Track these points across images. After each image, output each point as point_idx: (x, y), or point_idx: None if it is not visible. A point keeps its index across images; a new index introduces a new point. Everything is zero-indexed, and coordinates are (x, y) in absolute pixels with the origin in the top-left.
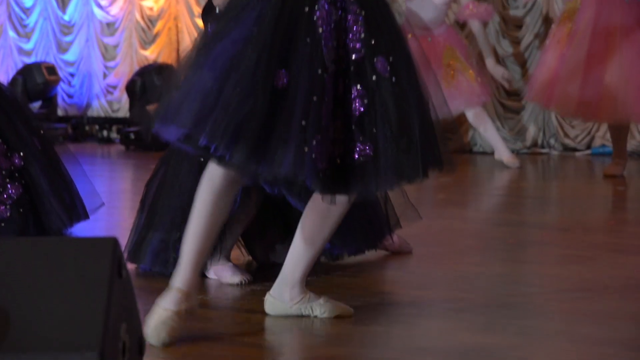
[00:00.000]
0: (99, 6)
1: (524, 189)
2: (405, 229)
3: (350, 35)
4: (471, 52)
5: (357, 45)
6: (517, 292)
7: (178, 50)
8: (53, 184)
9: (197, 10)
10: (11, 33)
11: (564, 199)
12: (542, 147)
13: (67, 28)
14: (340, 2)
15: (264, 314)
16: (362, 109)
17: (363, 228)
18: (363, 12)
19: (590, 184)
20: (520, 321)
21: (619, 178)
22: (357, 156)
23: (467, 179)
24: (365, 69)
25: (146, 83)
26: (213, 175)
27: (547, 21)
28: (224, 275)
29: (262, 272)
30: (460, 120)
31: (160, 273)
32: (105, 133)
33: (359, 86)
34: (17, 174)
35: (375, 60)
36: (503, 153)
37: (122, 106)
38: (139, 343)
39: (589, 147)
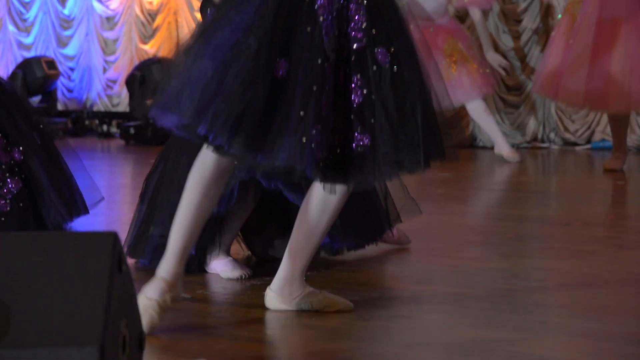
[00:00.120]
0: (99, 0)
1: (524, 183)
2: (405, 223)
3: (352, 24)
4: (473, 44)
5: (359, 35)
6: (517, 286)
7: (178, 44)
8: (53, 178)
9: (197, 4)
10: (11, 27)
11: (564, 193)
12: (542, 141)
13: (66, 22)
14: None
15: (263, 308)
16: (360, 99)
17: (363, 223)
18: (365, 1)
19: (590, 179)
20: (520, 315)
21: (618, 172)
22: (355, 146)
23: (467, 173)
24: (366, 59)
25: (146, 77)
26: (204, 164)
27: (546, 15)
28: (223, 270)
29: (262, 266)
30: (461, 114)
31: None
32: (105, 127)
33: (358, 76)
34: (16, 169)
35: (376, 50)
36: (503, 147)
37: (122, 100)
38: (139, 338)
39: (589, 141)
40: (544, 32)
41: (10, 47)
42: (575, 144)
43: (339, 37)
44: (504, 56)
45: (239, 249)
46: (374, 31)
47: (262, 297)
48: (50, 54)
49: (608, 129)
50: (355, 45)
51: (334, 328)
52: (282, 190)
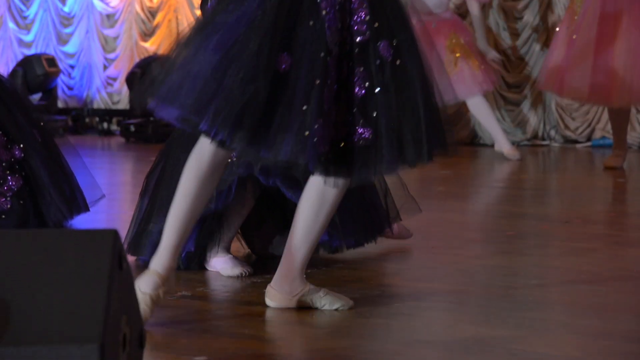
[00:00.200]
0: None
1: (524, 181)
2: (405, 221)
3: (355, 17)
4: (475, 40)
5: (362, 28)
6: (517, 284)
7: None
8: (53, 176)
9: (197, 1)
10: (11, 25)
11: (564, 191)
12: (543, 139)
13: (67, 20)
14: None
15: (264, 306)
16: (363, 93)
17: (362, 221)
18: None
19: (590, 176)
20: (520, 313)
21: (619, 170)
22: (357, 139)
23: (467, 171)
24: (369, 52)
25: (146, 75)
26: (201, 157)
27: (547, 12)
28: (223, 267)
29: (262, 264)
30: (461, 112)
31: None
32: (105, 125)
33: (361, 69)
34: (17, 166)
35: (379, 44)
36: (503, 145)
37: (122, 98)
38: (140, 335)
39: (589, 139)
40: (544, 30)
41: (11, 44)
42: (576, 142)
43: (342, 31)
44: (505, 54)
45: (239, 246)
46: (376, 24)
47: (263, 294)
48: (51, 51)
49: (608, 127)
50: (358, 39)
51: (334, 325)
52: (280, 187)
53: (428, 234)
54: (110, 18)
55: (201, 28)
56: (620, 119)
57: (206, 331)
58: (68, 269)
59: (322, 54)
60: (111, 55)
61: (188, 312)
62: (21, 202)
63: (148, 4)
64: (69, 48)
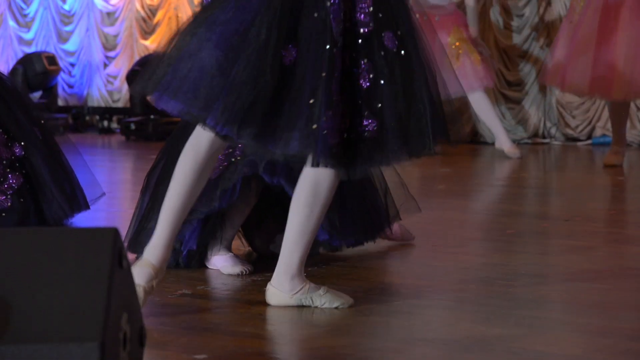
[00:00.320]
0: None
1: (524, 179)
2: (405, 220)
3: (359, 8)
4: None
5: (366, 19)
6: (517, 282)
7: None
8: (54, 174)
9: None
10: (11, 23)
11: (565, 189)
12: (543, 137)
13: (67, 18)
14: None
15: (264, 304)
16: (368, 84)
17: (362, 220)
18: None
19: (590, 174)
20: (521, 311)
21: (619, 168)
22: (362, 131)
23: (468, 169)
24: (373, 44)
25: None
26: (198, 147)
27: (547, 10)
28: (224, 265)
29: (263, 262)
30: (461, 110)
31: None
32: (105, 123)
33: (366, 60)
34: (17, 164)
35: (383, 34)
36: (504, 143)
37: (122, 96)
38: (140, 333)
39: (589, 137)
40: (544, 27)
41: (11, 42)
42: (576, 140)
43: (345, 22)
44: (505, 52)
45: (240, 244)
46: (380, 15)
47: (263, 292)
48: (51, 49)
49: (609, 125)
50: (362, 30)
51: (335, 323)
52: (284, 186)
53: (428, 232)
54: (110, 16)
55: (204, 19)
56: (620, 115)
57: (206, 329)
58: (68, 267)
59: (328, 46)
60: (111, 53)
61: (188, 311)
62: (21, 200)
63: (148, 1)
64: (69, 46)
